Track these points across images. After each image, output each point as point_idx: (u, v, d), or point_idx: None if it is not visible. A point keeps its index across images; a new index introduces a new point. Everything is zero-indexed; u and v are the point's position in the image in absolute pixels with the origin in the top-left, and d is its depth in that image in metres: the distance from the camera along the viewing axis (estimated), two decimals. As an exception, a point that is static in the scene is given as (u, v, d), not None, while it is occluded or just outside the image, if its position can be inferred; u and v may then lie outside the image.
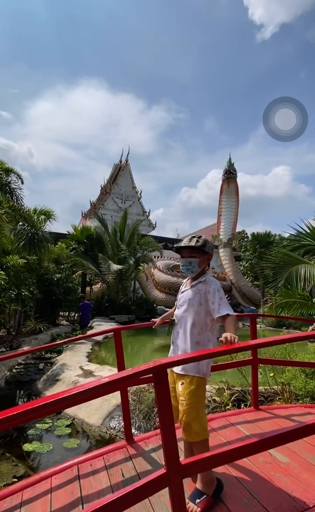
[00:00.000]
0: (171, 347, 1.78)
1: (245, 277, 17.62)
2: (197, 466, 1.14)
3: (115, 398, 4.23)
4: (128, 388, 4.27)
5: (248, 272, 18.13)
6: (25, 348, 6.91)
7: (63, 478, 1.82)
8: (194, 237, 1.76)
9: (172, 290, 15.57)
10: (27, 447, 3.30)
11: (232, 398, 3.79)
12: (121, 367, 2.16)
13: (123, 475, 1.79)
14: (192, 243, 1.70)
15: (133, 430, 3.44)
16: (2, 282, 4.98)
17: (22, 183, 6.90)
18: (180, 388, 1.59)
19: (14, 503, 1.70)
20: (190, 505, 1.44)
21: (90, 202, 29.81)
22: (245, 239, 17.43)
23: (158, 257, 17.73)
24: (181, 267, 1.78)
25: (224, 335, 1.42)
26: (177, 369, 1.64)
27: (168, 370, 1.65)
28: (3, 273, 5.25)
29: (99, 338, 9.31)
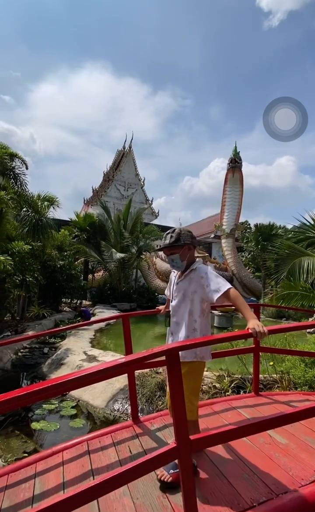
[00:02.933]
0: (170, 338, 1.82)
1: (247, 268, 17.65)
2: (204, 441, 1.22)
3: (118, 382, 4.37)
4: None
5: (250, 263, 18.18)
6: (30, 333, 7.07)
7: (74, 453, 1.93)
8: (168, 233, 1.78)
9: (174, 279, 15.68)
10: (35, 425, 3.45)
11: (232, 385, 3.92)
12: (128, 351, 2.24)
13: (130, 451, 1.89)
14: (167, 241, 1.75)
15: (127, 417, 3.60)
16: (9, 268, 5.05)
17: (27, 168, 6.86)
18: None
19: (28, 474, 1.82)
20: (163, 472, 1.56)
21: (93, 189, 29.52)
22: (248, 230, 17.38)
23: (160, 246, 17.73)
24: (171, 264, 1.81)
25: (249, 326, 1.38)
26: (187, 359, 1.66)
27: None
28: (10, 258, 5.31)
29: (102, 325, 9.48)
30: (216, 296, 1.60)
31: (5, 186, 6.08)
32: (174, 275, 1.91)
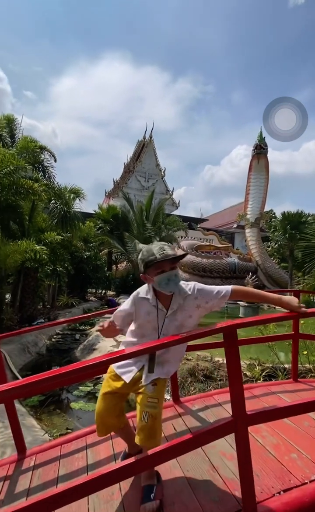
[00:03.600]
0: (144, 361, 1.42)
1: (272, 258, 17.20)
2: (261, 416, 1.24)
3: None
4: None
5: (275, 253, 17.66)
6: (63, 319, 7.40)
7: None
8: (165, 245, 1.38)
9: (196, 270, 15.65)
10: (74, 405, 3.66)
11: (263, 374, 3.90)
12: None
13: (175, 429, 1.96)
14: (171, 252, 1.32)
15: (167, 396, 3.70)
16: (45, 257, 5.28)
17: (55, 161, 7.03)
18: (151, 389, 1.34)
19: (80, 446, 1.94)
20: (146, 505, 1.30)
21: (114, 181, 29.74)
22: (273, 219, 16.81)
23: (182, 237, 17.68)
24: (166, 284, 1.33)
25: (293, 305, 1.27)
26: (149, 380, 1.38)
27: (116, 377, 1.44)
28: (45, 248, 5.54)
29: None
30: (225, 300, 1.39)
31: (37, 178, 6.28)
32: (145, 302, 1.43)
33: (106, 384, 1.48)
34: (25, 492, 1.62)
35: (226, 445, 1.74)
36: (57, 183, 7.52)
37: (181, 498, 1.40)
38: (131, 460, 1.15)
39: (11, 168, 5.01)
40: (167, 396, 3.27)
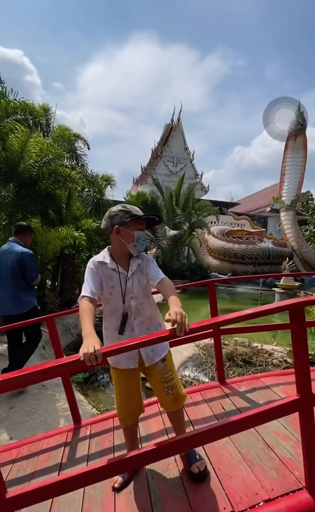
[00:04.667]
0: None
1: (309, 243, 16.31)
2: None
3: (186, 351, 4.55)
4: (198, 343, 4.55)
5: (313, 238, 16.72)
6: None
7: (157, 409, 2.07)
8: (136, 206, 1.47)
9: (227, 256, 15.30)
10: (116, 383, 3.84)
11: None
12: (214, 314, 2.28)
13: (223, 408, 1.97)
14: (141, 213, 1.41)
15: (207, 379, 3.73)
16: (83, 243, 5.45)
17: (89, 149, 7.09)
18: (163, 367, 1.42)
19: (107, 427, 2.00)
20: (197, 464, 1.43)
21: (141, 167, 29.53)
22: (311, 201, 15.78)
23: (213, 222, 17.28)
24: (143, 241, 1.39)
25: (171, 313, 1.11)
26: (155, 358, 1.42)
27: (130, 366, 1.41)
28: (83, 234, 5.72)
29: (159, 299, 9.87)
30: (153, 282, 1.38)
31: (73, 166, 6.40)
32: (104, 267, 1.38)
33: (115, 378, 1.48)
34: (84, 458, 1.74)
35: (279, 425, 1.72)
36: (90, 171, 7.64)
37: (238, 472, 1.41)
38: (188, 434, 1.15)
39: (50, 156, 5.14)
40: (207, 379, 3.30)
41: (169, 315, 1.08)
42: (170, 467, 1.52)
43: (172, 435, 1.70)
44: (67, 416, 2.45)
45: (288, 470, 1.39)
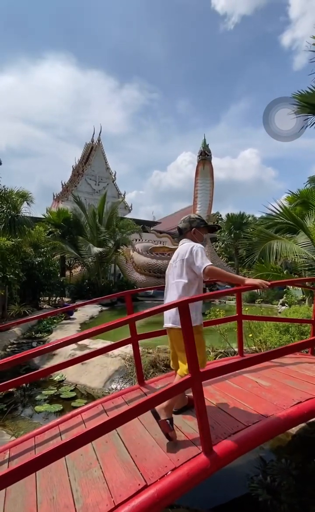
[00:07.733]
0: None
1: (220, 257, 18.46)
2: (210, 373, 1.57)
3: (112, 365, 4.65)
4: (124, 355, 4.71)
5: (223, 252, 19.02)
6: (16, 329, 7.06)
7: (92, 413, 2.20)
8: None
9: (152, 272, 16.01)
10: (38, 408, 3.64)
11: (216, 358, 4.37)
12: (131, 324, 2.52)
13: (142, 405, 2.19)
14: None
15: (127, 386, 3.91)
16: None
17: (0, 163, 6.72)
18: None
19: (54, 433, 2.07)
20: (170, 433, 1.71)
21: (62, 184, 28.82)
22: (220, 221, 18.12)
23: (137, 240, 17.95)
24: (203, 243, 2.03)
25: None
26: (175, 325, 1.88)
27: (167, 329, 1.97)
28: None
29: (86, 318, 9.65)
30: (197, 270, 1.91)
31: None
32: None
33: (202, 334, 1.96)
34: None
35: (188, 411, 2.04)
36: (3, 186, 7.21)
37: (151, 454, 1.64)
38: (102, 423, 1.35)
39: None
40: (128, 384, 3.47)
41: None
42: (92, 466, 1.65)
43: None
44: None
45: (191, 442, 1.69)
